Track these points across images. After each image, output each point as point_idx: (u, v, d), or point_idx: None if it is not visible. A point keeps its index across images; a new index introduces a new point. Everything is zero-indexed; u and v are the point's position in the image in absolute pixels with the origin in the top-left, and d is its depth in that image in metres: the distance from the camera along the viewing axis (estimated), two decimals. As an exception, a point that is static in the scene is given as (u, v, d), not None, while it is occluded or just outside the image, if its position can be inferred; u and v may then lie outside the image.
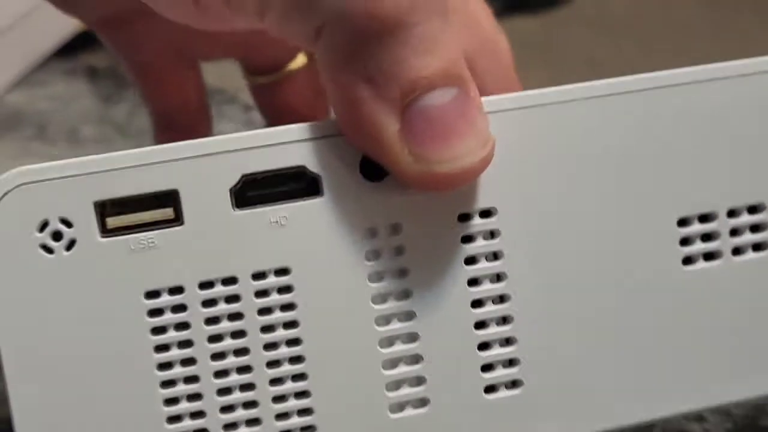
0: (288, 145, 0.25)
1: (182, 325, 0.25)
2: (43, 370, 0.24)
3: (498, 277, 0.26)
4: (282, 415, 0.26)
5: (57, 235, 0.24)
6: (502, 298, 0.26)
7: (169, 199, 0.24)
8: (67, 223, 0.24)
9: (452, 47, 0.24)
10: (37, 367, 0.24)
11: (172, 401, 0.25)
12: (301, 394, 0.26)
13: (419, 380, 0.26)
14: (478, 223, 0.26)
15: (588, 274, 0.26)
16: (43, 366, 0.24)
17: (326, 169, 0.25)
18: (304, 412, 0.26)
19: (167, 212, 0.25)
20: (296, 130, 0.25)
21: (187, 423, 0.25)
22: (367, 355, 0.26)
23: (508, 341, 0.26)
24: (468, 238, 0.26)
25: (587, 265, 0.26)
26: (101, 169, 0.24)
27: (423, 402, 0.26)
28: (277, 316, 0.25)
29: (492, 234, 0.26)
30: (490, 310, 0.26)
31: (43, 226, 0.24)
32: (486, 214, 0.26)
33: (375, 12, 0.23)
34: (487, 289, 0.26)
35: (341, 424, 0.26)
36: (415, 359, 0.26)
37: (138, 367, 0.25)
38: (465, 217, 0.26)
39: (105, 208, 0.24)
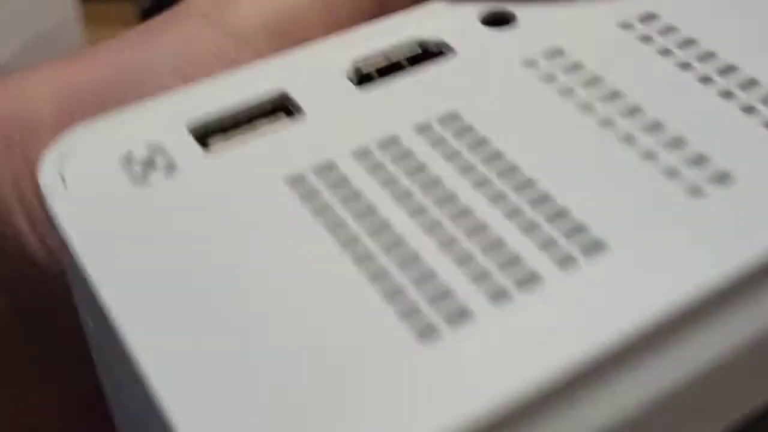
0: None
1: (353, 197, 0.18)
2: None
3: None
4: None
5: (149, 163, 0.18)
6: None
7: (279, 103, 0.19)
8: (159, 148, 0.18)
9: None
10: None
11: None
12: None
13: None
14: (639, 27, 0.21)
15: None
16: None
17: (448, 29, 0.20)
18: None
19: (281, 118, 0.19)
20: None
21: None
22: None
23: None
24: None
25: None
26: (190, 91, 0.19)
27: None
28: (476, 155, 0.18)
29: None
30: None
31: (129, 159, 0.18)
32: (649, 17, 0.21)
33: None
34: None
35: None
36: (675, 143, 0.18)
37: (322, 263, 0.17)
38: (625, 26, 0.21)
39: (203, 133, 0.19)
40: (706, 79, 0.19)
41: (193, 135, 0.18)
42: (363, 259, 0.16)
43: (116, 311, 0.15)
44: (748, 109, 0.18)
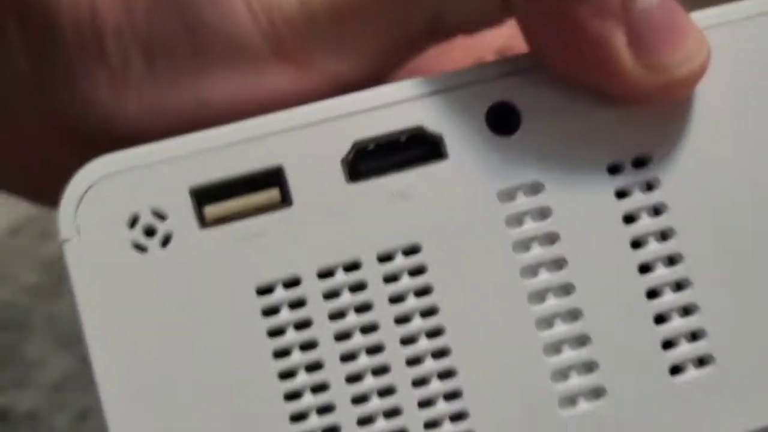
0: (402, 105, 0.22)
1: (303, 324, 0.21)
2: (144, 387, 0.21)
3: (664, 236, 0.22)
4: (431, 425, 0.21)
5: (150, 231, 0.21)
6: (672, 260, 0.22)
7: (274, 178, 0.21)
8: (161, 216, 0.21)
9: None
10: (137, 385, 0.21)
11: (299, 417, 0.21)
12: (451, 396, 0.21)
13: (589, 366, 0.22)
14: (631, 173, 0.22)
15: None
16: (143, 383, 0.21)
17: (448, 126, 0.22)
18: (457, 418, 0.21)
19: (272, 194, 0.21)
20: (409, 86, 0.22)
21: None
22: (524, 340, 0.22)
23: (687, 310, 0.22)
24: (623, 193, 0.22)
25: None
26: (194, 149, 0.21)
27: (597, 392, 0.22)
28: (412, 303, 0.21)
29: (649, 185, 0.22)
30: (661, 274, 0.22)
31: (134, 221, 0.21)
32: (640, 163, 0.22)
33: None
34: (654, 249, 0.22)
35: (501, 426, 0.21)
36: (581, 341, 0.22)
37: (256, 377, 0.21)
38: (615, 169, 0.22)
39: (202, 196, 0.21)
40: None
41: (193, 198, 0.21)
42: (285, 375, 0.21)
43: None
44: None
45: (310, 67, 0.23)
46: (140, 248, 0.21)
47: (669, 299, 0.22)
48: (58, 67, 0.23)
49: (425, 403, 0.21)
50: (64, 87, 0.23)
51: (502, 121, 0.22)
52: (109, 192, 0.21)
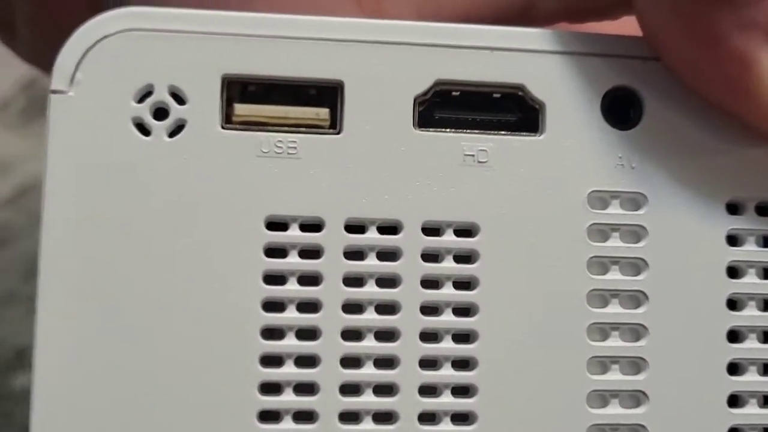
0: (507, 53, 0.17)
1: (309, 279, 0.17)
2: (101, 303, 0.16)
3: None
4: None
5: (160, 112, 0.17)
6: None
7: (329, 94, 0.17)
8: (179, 98, 0.17)
9: None
10: (92, 295, 0.16)
11: (271, 387, 0.17)
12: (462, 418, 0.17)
13: (636, 399, 0.17)
14: (752, 218, 0.18)
15: None
16: (101, 297, 0.16)
17: (555, 96, 0.17)
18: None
19: (321, 113, 0.17)
20: (522, 35, 0.17)
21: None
22: (568, 378, 0.17)
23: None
24: (735, 239, 0.18)
25: None
26: (244, 32, 0.17)
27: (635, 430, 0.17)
28: (448, 293, 0.17)
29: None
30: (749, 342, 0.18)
31: (145, 94, 0.17)
32: (765, 210, 0.18)
33: None
34: (749, 316, 0.18)
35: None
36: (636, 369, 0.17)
37: (237, 325, 0.17)
38: (736, 209, 0.18)
39: (236, 89, 0.17)
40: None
41: (224, 88, 0.17)
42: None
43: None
44: None
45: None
46: (143, 129, 0.17)
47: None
48: None
49: (429, 390, 0.17)
50: None
51: (619, 109, 0.17)
52: (124, 51, 0.17)
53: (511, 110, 0.17)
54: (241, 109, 0.17)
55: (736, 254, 0.18)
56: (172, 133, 0.17)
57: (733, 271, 0.18)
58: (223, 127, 0.17)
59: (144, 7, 0.17)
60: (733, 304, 0.18)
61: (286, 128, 0.17)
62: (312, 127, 0.17)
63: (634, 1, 0.17)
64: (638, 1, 0.17)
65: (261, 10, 0.17)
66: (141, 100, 0.17)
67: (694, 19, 0.17)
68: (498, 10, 0.18)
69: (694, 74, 0.17)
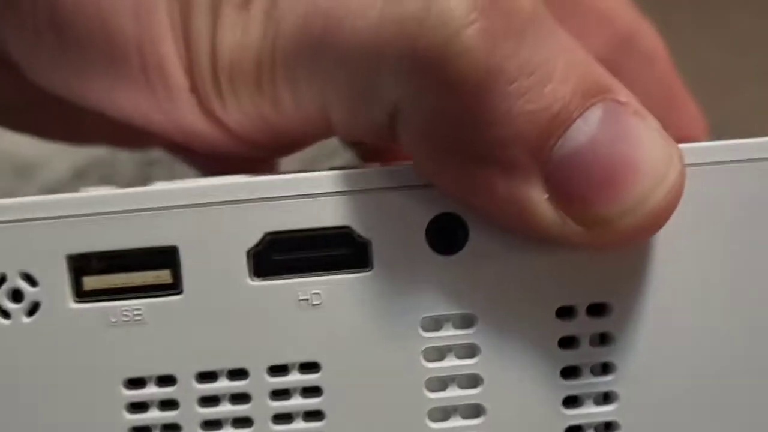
0: (330, 198, 0.18)
1: (171, 427, 0.18)
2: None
3: (606, 398, 0.19)
4: None
5: (16, 295, 0.18)
6: (608, 426, 0.19)
7: (167, 258, 0.18)
8: (31, 280, 0.18)
9: (570, 56, 0.17)
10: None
11: None
12: None
13: None
14: (584, 321, 0.19)
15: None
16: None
17: (379, 233, 0.18)
18: None
19: (162, 275, 0.18)
20: (340, 177, 0.18)
21: None
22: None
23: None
24: (569, 341, 0.19)
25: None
26: (79, 212, 0.18)
27: None
28: (298, 427, 0.19)
29: (602, 338, 0.19)
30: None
31: (0, 282, 0.18)
32: (597, 309, 0.19)
33: (453, 75, 0.17)
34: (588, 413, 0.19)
35: None
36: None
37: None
38: (566, 312, 0.19)
39: (82, 264, 0.18)
40: None
41: (70, 266, 0.18)
42: None
43: None
44: None
45: (223, 116, 0.20)
46: (3, 313, 0.18)
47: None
48: None
49: None
50: None
51: (445, 235, 0.18)
52: None
53: (342, 246, 0.19)
54: (90, 282, 0.18)
55: (571, 357, 0.19)
56: (30, 313, 0.18)
57: (569, 372, 0.19)
58: (75, 301, 0.18)
59: None
60: (571, 401, 0.19)
61: (134, 294, 0.18)
62: (157, 288, 0.18)
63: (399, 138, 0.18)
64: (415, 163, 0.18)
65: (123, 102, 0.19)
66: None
67: (455, 176, 0.17)
68: (306, 129, 0.20)
69: (479, 212, 0.18)
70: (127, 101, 0.21)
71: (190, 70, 0.20)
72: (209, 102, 0.20)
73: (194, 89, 0.20)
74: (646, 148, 0.17)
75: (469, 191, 0.17)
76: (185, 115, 0.21)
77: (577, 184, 0.17)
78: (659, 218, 0.17)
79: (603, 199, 0.17)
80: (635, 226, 0.17)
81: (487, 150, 0.17)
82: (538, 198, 0.17)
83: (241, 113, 0.20)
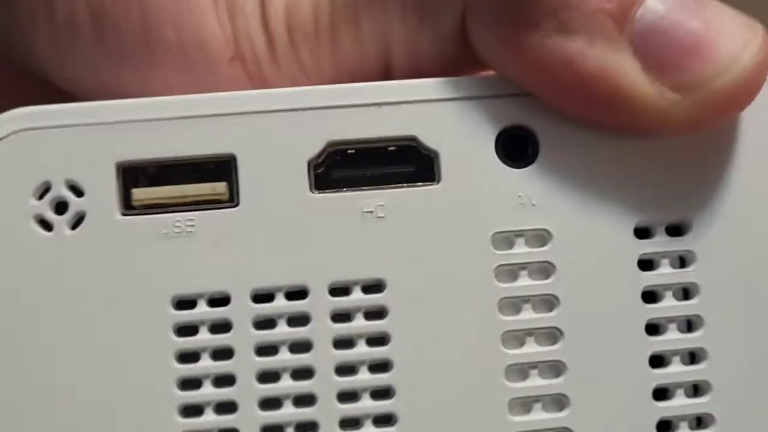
0: (395, 107, 0.17)
1: (222, 353, 0.17)
2: (19, 393, 0.17)
3: (690, 325, 0.18)
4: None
5: (60, 206, 0.17)
6: (693, 357, 0.18)
7: (223, 169, 0.17)
8: (77, 190, 0.17)
9: None
10: (12, 388, 0.17)
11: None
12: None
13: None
14: (663, 240, 0.18)
15: None
16: (19, 388, 0.17)
17: (447, 143, 0.17)
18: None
19: (218, 187, 0.17)
20: (407, 87, 0.18)
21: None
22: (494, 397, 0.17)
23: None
24: (648, 264, 0.18)
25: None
26: (133, 118, 0.17)
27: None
28: (361, 351, 0.17)
29: (682, 261, 0.18)
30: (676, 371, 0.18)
31: (44, 191, 0.17)
32: (676, 230, 0.18)
33: None
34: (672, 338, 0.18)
35: None
36: (559, 404, 0.17)
37: (156, 408, 0.17)
38: (645, 233, 0.18)
39: (131, 176, 0.17)
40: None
41: (119, 176, 0.17)
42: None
43: None
44: None
45: (274, 77, 0.19)
46: (45, 225, 0.17)
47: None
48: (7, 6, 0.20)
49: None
50: (11, 27, 0.20)
51: (516, 148, 0.17)
52: (21, 150, 0.17)
53: (407, 161, 0.17)
54: (139, 194, 0.17)
55: (651, 279, 0.17)
56: (74, 225, 0.17)
57: (650, 296, 0.18)
58: (123, 214, 0.17)
59: (32, 107, 0.17)
60: (652, 329, 0.17)
61: (185, 207, 0.17)
62: (211, 203, 0.17)
63: (479, 55, 0.17)
64: (484, 57, 0.17)
65: (157, 84, 0.18)
66: (41, 196, 0.17)
67: (533, 52, 0.17)
68: (362, 76, 0.19)
69: (565, 105, 0.17)
70: (161, 80, 0.20)
71: (235, 37, 0.20)
72: (258, 64, 0.20)
73: (237, 56, 0.20)
74: (727, 13, 0.17)
75: (556, 68, 0.17)
76: (226, 86, 0.20)
77: (668, 51, 0.16)
78: (753, 78, 0.16)
79: (696, 62, 0.16)
80: (732, 85, 0.16)
81: (570, 19, 0.16)
82: (631, 67, 0.16)
83: (295, 68, 0.19)
